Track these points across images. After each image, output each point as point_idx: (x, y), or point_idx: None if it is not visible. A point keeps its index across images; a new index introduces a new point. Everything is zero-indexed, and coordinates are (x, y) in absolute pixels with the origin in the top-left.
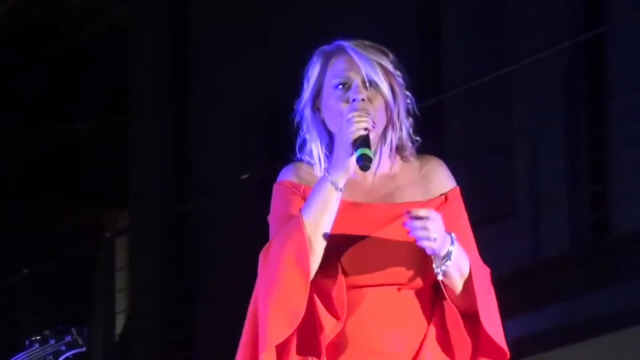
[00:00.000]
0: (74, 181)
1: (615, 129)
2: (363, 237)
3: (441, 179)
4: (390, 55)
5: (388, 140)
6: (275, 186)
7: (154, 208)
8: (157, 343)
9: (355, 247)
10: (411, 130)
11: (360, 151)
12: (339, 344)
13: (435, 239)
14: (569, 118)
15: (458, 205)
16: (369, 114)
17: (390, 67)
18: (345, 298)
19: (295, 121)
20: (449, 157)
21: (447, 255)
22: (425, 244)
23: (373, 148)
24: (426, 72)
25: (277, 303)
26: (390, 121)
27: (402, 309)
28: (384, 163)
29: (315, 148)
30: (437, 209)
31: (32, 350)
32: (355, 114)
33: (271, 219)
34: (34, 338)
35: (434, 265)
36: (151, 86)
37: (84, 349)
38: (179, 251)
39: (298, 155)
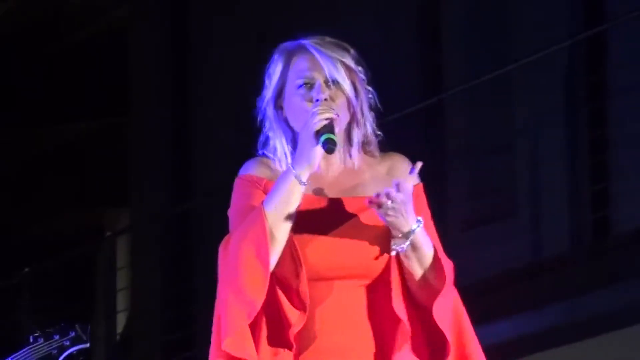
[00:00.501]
0: (74, 181)
1: (616, 128)
2: (328, 230)
3: (405, 175)
4: (352, 51)
5: (351, 136)
6: (236, 180)
7: (154, 208)
8: (158, 342)
9: (320, 240)
10: (374, 125)
11: (325, 136)
12: (303, 339)
13: (401, 214)
14: (569, 118)
15: (422, 202)
16: (331, 107)
17: (352, 64)
18: (307, 290)
19: (258, 118)
20: (450, 156)
21: (409, 234)
22: (390, 219)
23: (337, 145)
24: (427, 71)
25: (236, 294)
26: (353, 118)
27: (368, 303)
28: (348, 157)
29: (280, 145)
30: None
31: (36, 345)
32: (319, 107)
33: (231, 212)
34: (37, 334)
35: (391, 243)
36: (151, 86)
37: (88, 344)
38: (179, 251)
39: (260, 151)
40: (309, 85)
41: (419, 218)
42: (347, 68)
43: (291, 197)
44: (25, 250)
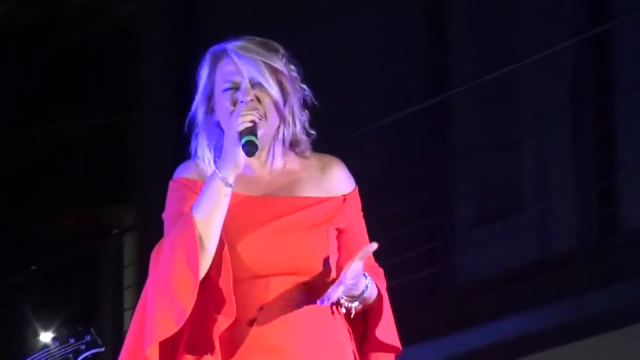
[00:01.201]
0: (81, 178)
1: (622, 126)
2: (261, 229)
3: (341, 179)
4: (281, 50)
5: (280, 136)
6: (170, 183)
7: (161, 205)
8: None
9: (253, 238)
10: (307, 124)
11: (245, 138)
12: (235, 339)
13: (354, 289)
14: (575, 115)
15: (356, 206)
16: (256, 109)
17: (278, 64)
18: (232, 290)
19: (189, 124)
20: (456, 154)
21: (359, 296)
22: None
23: (266, 144)
24: (433, 69)
25: (164, 302)
26: (281, 118)
27: (304, 300)
28: (278, 158)
29: (202, 149)
30: (335, 208)
31: (52, 349)
32: (242, 108)
33: (165, 216)
34: (53, 336)
35: (342, 301)
36: (157, 83)
37: (103, 348)
38: None
39: (193, 155)
40: (234, 89)
41: (367, 278)
42: (272, 69)
43: (219, 200)
44: (31, 248)
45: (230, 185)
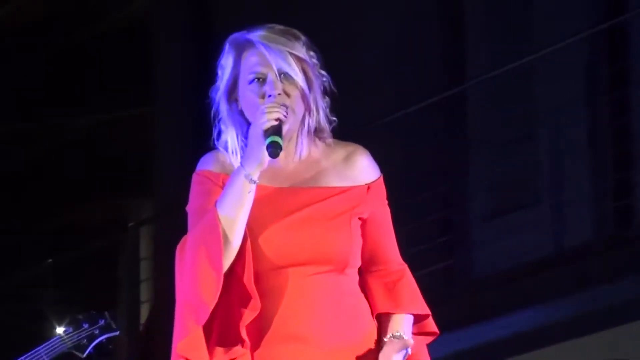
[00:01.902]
0: (97, 171)
1: (638, 118)
2: (284, 220)
3: (366, 168)
4: (302, 38)
5: (306, 125)
6: (194, 176)
7: (178, 197)
8: None
9: (275, 230)
10: (328, 110)
11: (270, 139)
12: (260, 330)
13: None
14: (591, 107)
15: (381, 195)
16: (283, 105)
17: (302, 53)
18: (253, 284)
19: (213, 110)
20: (472, 146)
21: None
22: None
23: (293, 135)
24: (449, 62)
25: (189, 298)
26: (307, 108)
27: (326, 291)
28: (305, 148)
29: (231, 139)
30: (358, 197)
31: (66, 334)
32: (268, 105)
33: (189, 209)
34: (67, 320)
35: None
36: (175, 75)
37: (117, 332)
38: None
39: (215, 144)
40: (261, 80)
41: (403, 338)
42: (298, 59)
43: (243, 197)
44: (48, 241)
45: (255, 182)
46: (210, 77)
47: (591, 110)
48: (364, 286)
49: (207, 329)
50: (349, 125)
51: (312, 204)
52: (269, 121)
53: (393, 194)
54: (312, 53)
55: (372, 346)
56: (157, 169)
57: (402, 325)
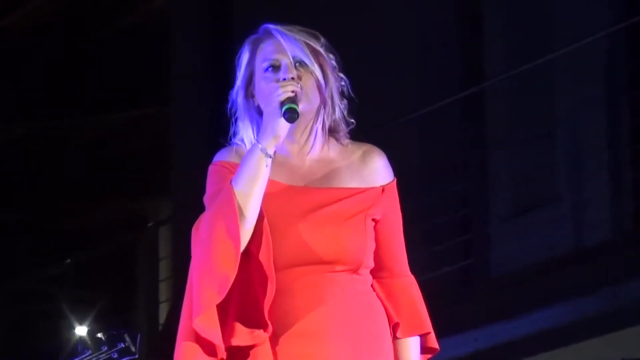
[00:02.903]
0: (116, 171)
1: None
2: (300, 220)
3: (381, 169)
4: (322, 39)
5: (320, 119)
6: (210, 167)
7: (196, 197)
8: None
9: (292, 229)
10: (346, 113)
11: (286, 106)
12: (274, 326)
13: None
14: (610, 106)
15: (394, 198)
16: (297, 84)
17: (320, 48)
18: (272, 264)
19: (230, 110)
20: (492, 145)
21: None
22: None
23: (306, 128)
24: (468, 60)
25: (207, 272)
26: (322, 100)
27: (340, 290)
28: (319, 144)
29: (246, 135)
30: (372, 198)
31: (84, 357)
32: (282, 82)
33: (206, 199)
34: (87, 341)
35: None
36: (193, 75)
37: (137, 356)
38: None
39: (232, 141)
40: (276, 68)
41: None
42: (314, 51)
43: (259, 171)
44: (67, 240)
45: (270, 156)
46: (228, 77)
47: (610, 109)
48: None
49: (224, 310)
50: (367, 124)
51: (328, 205)
52: (284, 93)
53: (412, 193)
54: (331, 55)
55: (385, 346)
56: (176, 169)
57: (410, 352)
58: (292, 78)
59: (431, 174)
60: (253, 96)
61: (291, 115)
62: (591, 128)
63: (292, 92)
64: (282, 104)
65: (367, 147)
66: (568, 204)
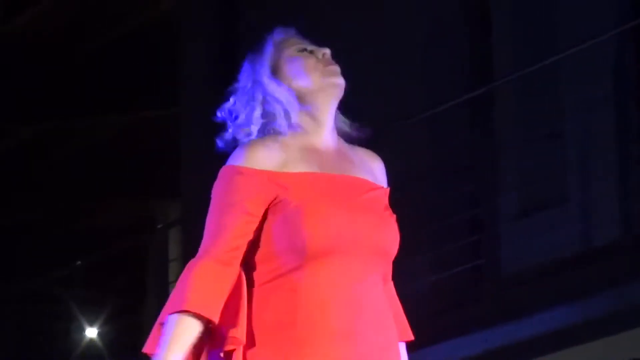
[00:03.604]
0: (126, 172)
1: None
2: (351, 207)
3: (384, 174)
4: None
5: (336, 110)
6: (235, 168)
7: (206, 199)
8: None
9: (341, 214)
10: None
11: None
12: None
13: None
14: (618, 105)
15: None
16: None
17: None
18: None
19: (240, 97)
20: (500, 145)
21: None
22: None
23: (331, 117)
24: (477, 61)
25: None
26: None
27: (375, 285)
28: (334, 131)
29: (280, 117)
30: (386, 197)
31: None
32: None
33: (222, 200)
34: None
35: None
36: (202, 76)
37: None
38: None
39: (251, 131)
40: (309, 50)
41: None
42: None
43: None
44: (77, 242)
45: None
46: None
47: (619, 108)
48: None
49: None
50: (377, 124)
51: (365, 193)
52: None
53: (421, 193)
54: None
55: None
56: (185, 171)
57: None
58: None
59: (441, 174)
60: (280, 80)
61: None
62: (600, 128)
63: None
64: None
65: (371, 152)
66: (577, 204)
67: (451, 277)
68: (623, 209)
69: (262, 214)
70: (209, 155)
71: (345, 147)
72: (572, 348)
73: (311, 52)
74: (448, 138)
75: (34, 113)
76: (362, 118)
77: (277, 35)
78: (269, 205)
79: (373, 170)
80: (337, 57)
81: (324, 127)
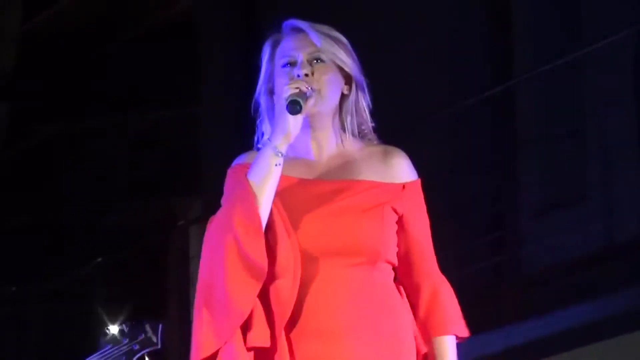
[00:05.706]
0: (147, 170)
1: None
2: (316, 212)
3: (403, 167)
4: (343, 39)
5: (338, 118)
6: (228, 171)
7: None
8: None
9: (308, 221)
10: (368, 111)
11: (289, 98)
12: (291, 320)
13: None
14: None
15: (418, 197)
16: (309, 86)
17: (341, 46)
18: (300, 262)
19: (254, 112)
20: (521, 142)
21: None
22: None
23: (325, 126)
24: (497, 57)
25: (238, 255)
26: (341, 98)
27: (359, 284)
28: (341, 144)
29: (264, 131)
30: (392, 193)
31: (104, 352)
32: (292, 80)
33: (223, 200)
34: (107, 336)
35: None
36: (224, 74)
37: (159, 346)
38: None
39: (255, 143)
40: (293, 64)
41: None
42: (336, 40)
43: (270, 168)
44: (97, 239)
45: (282, 155)
46: (258, 76)
47: None
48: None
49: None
50: (397, 122)
51: (345, 197)
52: (289, 90)
53: (443, 191)
54: (354, 56)
55: (406, 344)
56: (206, 168)
57: (443, 352)
58: (306, 75)
59: (462, 172)
60: (274, 93)
61: (292, 107)
62: (621, 124)
63: (297, 88)
64: (286, 100)
65: (390, 147)
66: (598, 201)
67: (472, 275)
68: None
69: None
70: (229, 152)
71: (355, 147)
72: (593, 345)
73: (294, 64)
74: (470, 135)
75: (55, 112)
76: (382, 115)
77: (275, 35)
78: None
79: (384, 169)
80: (358, 55)
81: (313, 142)
